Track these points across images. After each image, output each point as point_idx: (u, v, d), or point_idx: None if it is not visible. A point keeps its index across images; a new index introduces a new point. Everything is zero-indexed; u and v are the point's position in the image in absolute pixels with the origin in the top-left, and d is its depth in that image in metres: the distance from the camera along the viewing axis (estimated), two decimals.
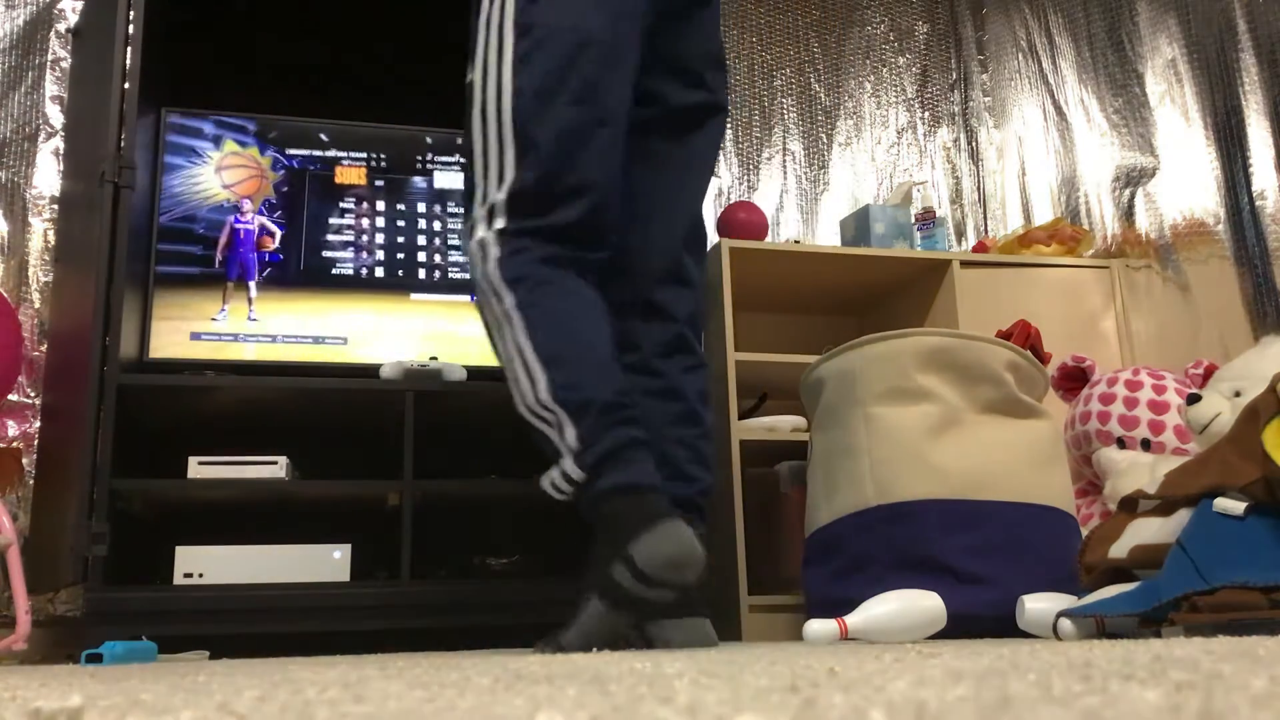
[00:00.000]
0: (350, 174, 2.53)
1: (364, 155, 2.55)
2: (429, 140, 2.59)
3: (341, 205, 2.52)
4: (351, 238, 2.51)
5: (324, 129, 2.54)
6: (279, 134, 2.51)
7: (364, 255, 2.50)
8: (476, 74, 1.58)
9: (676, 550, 1.30)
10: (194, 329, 2.36)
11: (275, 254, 2.46)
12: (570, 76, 1.53)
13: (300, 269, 2.46)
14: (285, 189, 2.50)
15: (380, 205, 2.54)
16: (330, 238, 2.50)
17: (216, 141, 2.47)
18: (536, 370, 1.43)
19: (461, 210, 1.57)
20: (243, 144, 2.49)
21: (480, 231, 1.54)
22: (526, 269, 1.49)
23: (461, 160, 1.56)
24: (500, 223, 1.52)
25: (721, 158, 3.17)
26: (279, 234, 2.47)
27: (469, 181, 1.60)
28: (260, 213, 2.46)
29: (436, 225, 2.57)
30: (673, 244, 1.73)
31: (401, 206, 2.55)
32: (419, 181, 2.57)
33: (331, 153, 2.53)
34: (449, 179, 2.59)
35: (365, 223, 2.52)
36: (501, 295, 1.49)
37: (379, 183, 2.55)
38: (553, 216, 1.52)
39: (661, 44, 1.67)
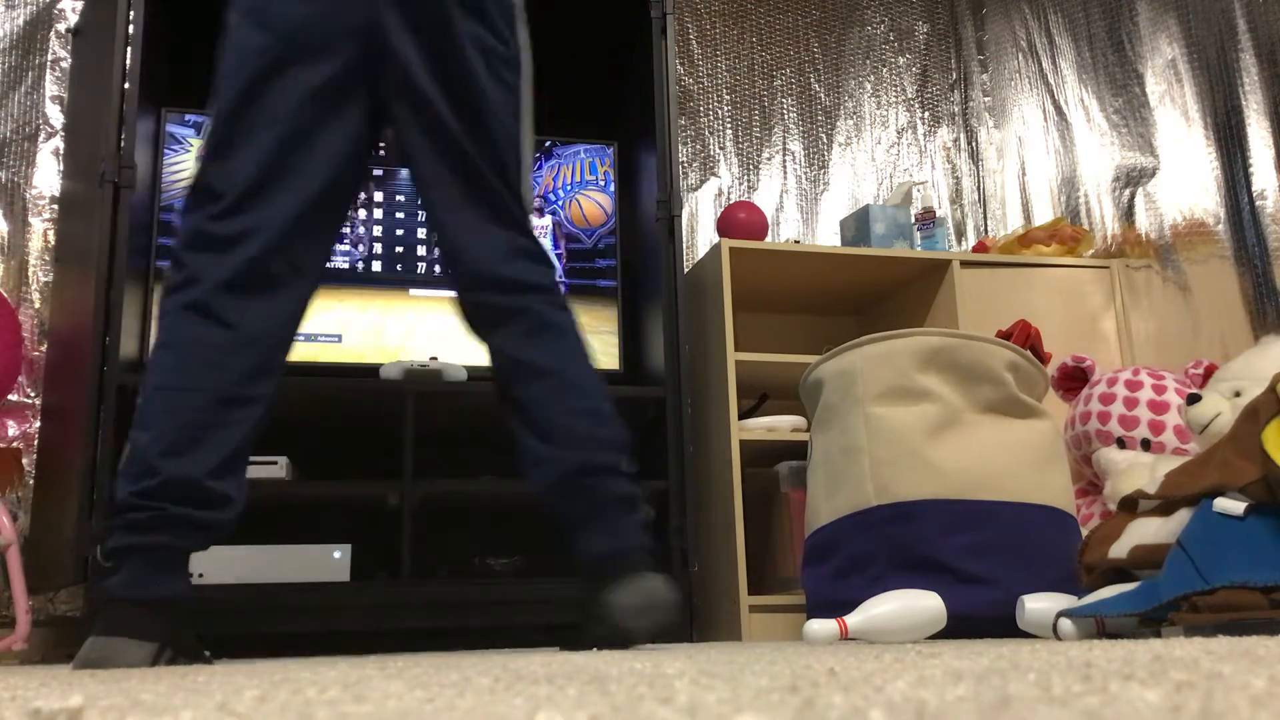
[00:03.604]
0: None
1: None
2: None
3: None
4: (347, 230, 2.51)
5: None
6: None
7: (360, 249, 2.50)
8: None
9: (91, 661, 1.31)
10: None
11: None
12: None
13: None
14: None
15: (378, 196, 2.54)
16: None
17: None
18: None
19: None
20: None
21: None
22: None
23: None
24: None
25: (721, 158, 3.17)
26: None
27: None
28: None
29: None
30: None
31: (400, 198, 2.55)
32: None
33: None
34: None
35: (362, 214, 2.52)
36: None
37: (377, 172, 2.55)
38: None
39: None
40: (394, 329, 2.46)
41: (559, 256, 2.61)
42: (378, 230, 2.52)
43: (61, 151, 2.64)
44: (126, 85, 2.12)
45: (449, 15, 1.51)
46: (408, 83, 1.50)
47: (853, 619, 1.60)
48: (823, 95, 3.32)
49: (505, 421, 1.54)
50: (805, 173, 3.24)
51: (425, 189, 1.55)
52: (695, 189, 3.12)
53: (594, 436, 1.49)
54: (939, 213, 3.16)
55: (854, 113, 3.34)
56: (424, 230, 2.56)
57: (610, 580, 1.41)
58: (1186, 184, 2.57)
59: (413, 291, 2.50)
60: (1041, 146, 3.13)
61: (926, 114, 3.41)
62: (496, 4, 1.56)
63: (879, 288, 2.84)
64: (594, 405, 1.51)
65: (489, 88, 1.53)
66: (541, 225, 2.62)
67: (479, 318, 1.57)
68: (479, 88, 1.52)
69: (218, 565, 2.03)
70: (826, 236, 3.18)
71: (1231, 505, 1.25)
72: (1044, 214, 3.09)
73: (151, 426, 1.37)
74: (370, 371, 2.32)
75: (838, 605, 1.70)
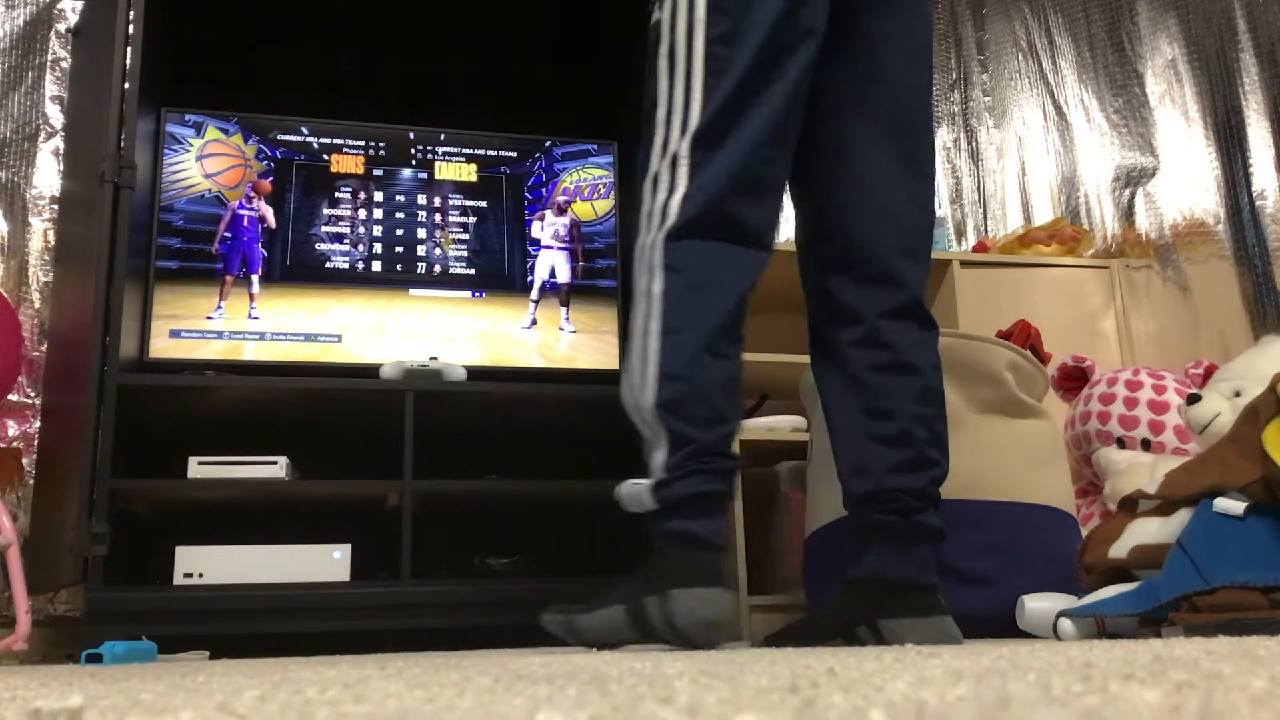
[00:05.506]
0: (348, 163, 2.53)
1: (361, 144, 2.55)
2: (442, 137, 2.59)
3: (337, 195, 2.52)
4: (347, 230, 2.51)
5: (325, 128, 2.54)
6: (282, 131, 2.51)
7: (360, 249, 2.50)
8: (665, 12, 1.46)
9: (713, 616, 1.29)
10: (193, 327, 2.36)
11: (260, 249, 2.45)
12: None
13: (290, 264, 2.46)
14: (281, 179, 2.50)
15: (378, 196, 2.54)
16: (325, 230, 2.49)
17: (224, 134, 2.48)
18: (651, 373, 1.36)
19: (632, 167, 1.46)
20: (244, 138, 2.49)
21: (661, 193, 1.43)
22: (689, 259, 1.40)
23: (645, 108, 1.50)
24: (683, 185, 1.41)
25: None
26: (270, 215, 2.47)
27: (649, 133, 1.47)
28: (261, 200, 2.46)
29: (437, 217, 2.57)
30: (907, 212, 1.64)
31: (400, 197, 2.55)
32: (419, 173, 2.57)
33: (335, 141, 2.53)
34: (451, 170, 2.59)
35: (362, 214, 2.52)
36: (654, 273, 1.40)
37: (377, 172, 2.55)
38: (735, 163, 1.41)
39: None
40: (394, 329, 2.46)
41: (571, 255, 2.62)
42: (378, 230, 2.52)
43: (61, 151, 2.64)
44: (126, 85, 2.12)
45: None
46: None
47: None
48: None
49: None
50: None
51: None
52: None
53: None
54: (939, 213, 3.15)
55: None
56: (424, 230, 2.56)
57: (899, 609, 1.38)
58: (1186, 184, 2.57)
59: (413, 291, 2.50)
60: (1041, 146, 3.13)
61: None
62: None
63: None
64: None
65: None
66: (561, 223, 2.63)
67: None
68: None
69: (218, 565, 2.03)
70: None
71: (1231, 505, 1.25)
72: (1044, 214, 3.09)
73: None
74: (370, 371, 2.32)
75: None
